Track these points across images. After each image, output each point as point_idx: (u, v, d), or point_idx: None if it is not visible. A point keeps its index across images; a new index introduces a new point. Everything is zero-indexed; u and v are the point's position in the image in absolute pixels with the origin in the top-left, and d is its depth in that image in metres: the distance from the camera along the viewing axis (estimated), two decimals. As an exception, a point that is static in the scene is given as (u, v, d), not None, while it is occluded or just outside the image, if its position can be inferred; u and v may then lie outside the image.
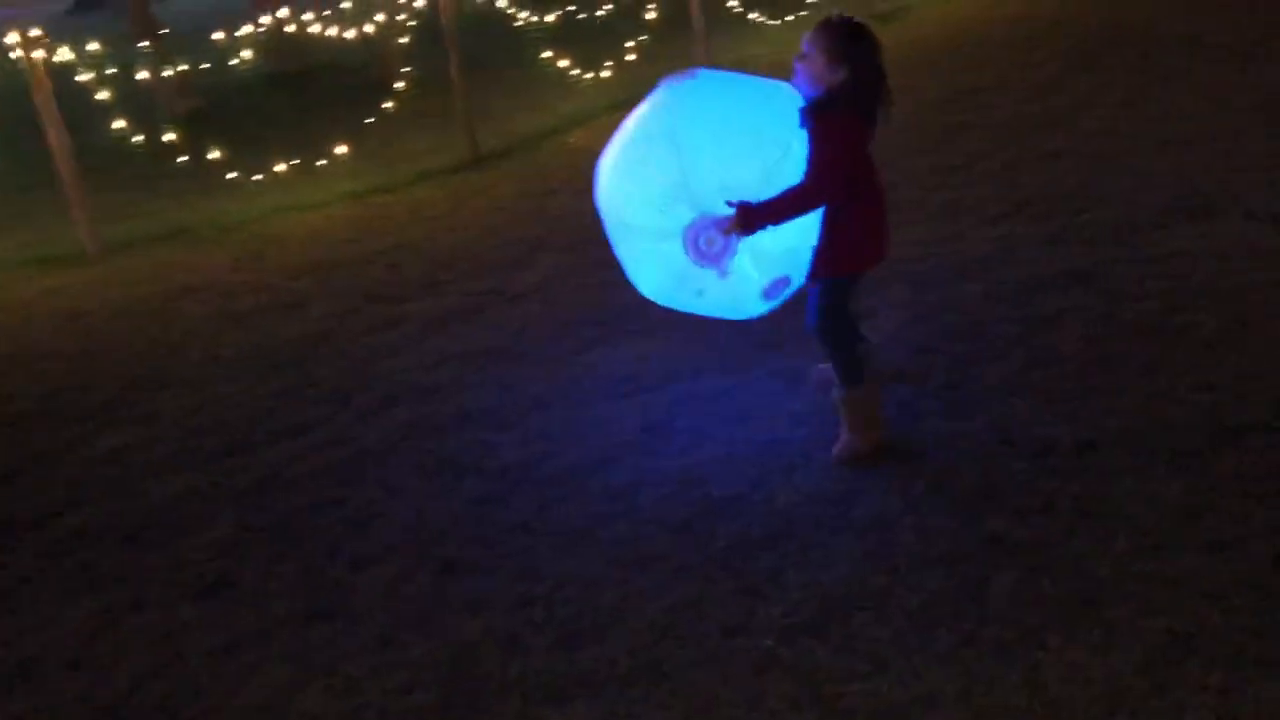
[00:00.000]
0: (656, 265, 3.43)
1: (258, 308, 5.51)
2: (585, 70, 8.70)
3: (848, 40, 3.21)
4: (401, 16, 7.81)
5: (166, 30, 11.42)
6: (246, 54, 7.90)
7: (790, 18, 10.10)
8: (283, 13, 7.73)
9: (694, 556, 3.13)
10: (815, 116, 3.21)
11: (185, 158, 7.19)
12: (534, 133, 8.03)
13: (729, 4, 9.69)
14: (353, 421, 4.24)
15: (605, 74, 8.77)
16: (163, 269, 6.27)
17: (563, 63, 8.62)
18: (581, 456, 3.75)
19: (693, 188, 3.24)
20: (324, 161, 7.42)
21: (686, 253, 3.32)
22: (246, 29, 7.58)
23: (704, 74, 3.43)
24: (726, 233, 3.23)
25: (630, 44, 8.94)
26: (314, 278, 5.80)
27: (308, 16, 7.78)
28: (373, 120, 7.75)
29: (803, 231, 3.29)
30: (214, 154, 7.16)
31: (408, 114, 7.97)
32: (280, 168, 7.34)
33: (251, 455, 4.08)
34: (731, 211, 3.18)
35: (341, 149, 7.55)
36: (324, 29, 7.70)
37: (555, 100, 8.65)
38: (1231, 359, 3.79)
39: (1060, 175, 5.74)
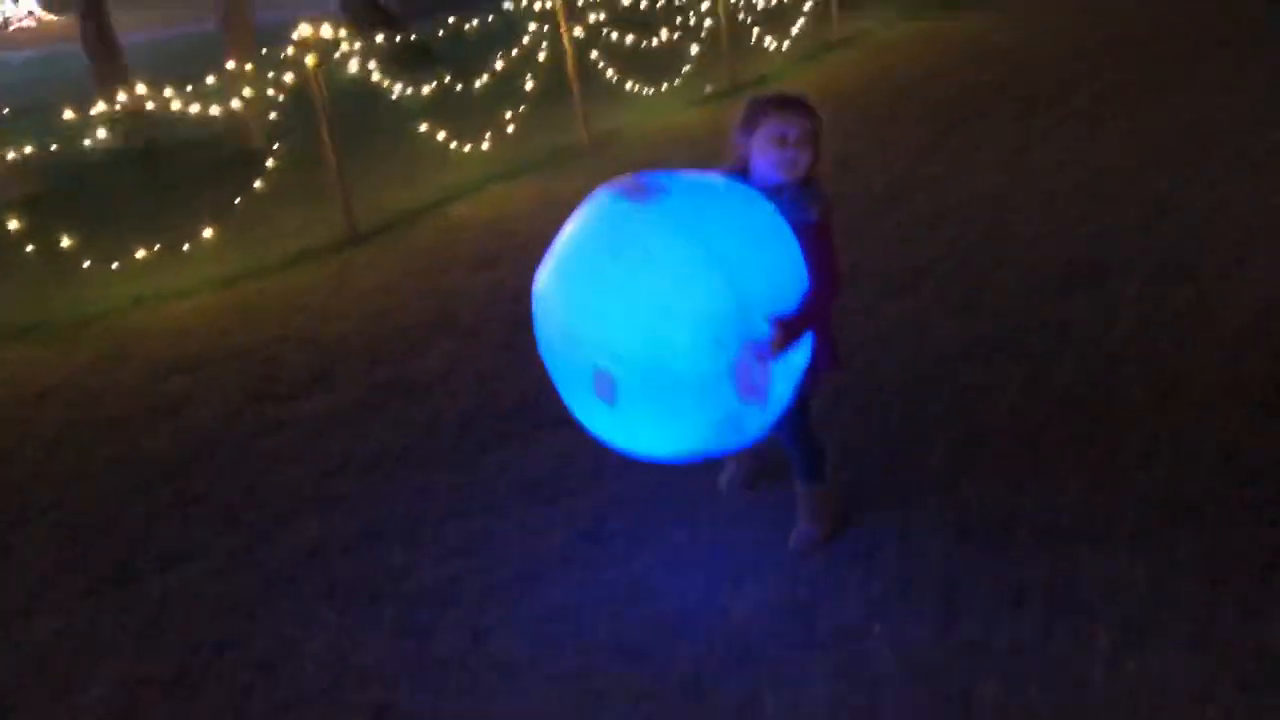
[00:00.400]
0: (700, 417, 2.83)
1: (127, 413, 5.03)
2: (463, 142, 8.45)
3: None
4: (271, 91, 7.41)
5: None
6: (99, 133, 7.38)
7: (665, 87, 10.07)
8: (140, 88, 7.24)
9: (655, 684, 2.87)
10: (825, 213, 3.05)
11: (32, 247, 6.63)
12: (413, 207, 7.71)
13: (606, 74, 9.58)
14: (248, 542, 3.85)
15: (484, 145, 8.53)
16: (14, 370, 5.72)
17: (440, 134, 8.34)
18: (510, 572, 3.46)
19: (748, 311, 2.75)
20: (188, 246, 6.95)
21: (737, 391, 2.80)
22: (99, 106, 7.07)
23: (679, 178, 2.97)
24: (773, 354, 2.81)
25: (509, 114, 8.74)
26: (188, 376, 5.35)
27: (168, 92, 7.30)
28: (240, 200, 7.31)
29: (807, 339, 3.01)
30: (65, 241, 6.63)
31: (278, 191, 7.57)
32: (140, 254, 6.84)
33: (136, 588, 3.65)
34: (770, 332, 2.80)
35: (207, 231, 7.09)
36: (186, 104, 7.24)
37: (433, 173, 8.36)
38: (1164, 428, 3.76)
39: (953, 240, 5.73)
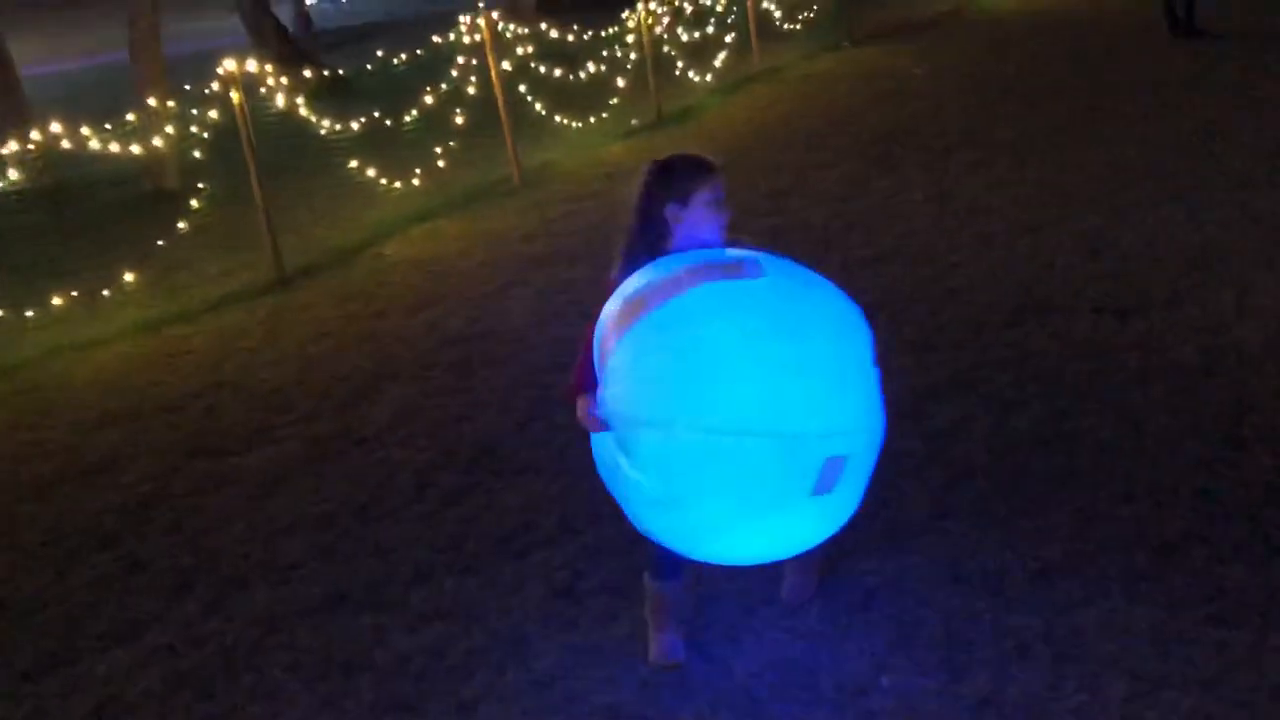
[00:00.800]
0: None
1: (55, 475, 4.73)
2: (392, 179, 8.25)
3: None
4: (195, 128, 7.14)
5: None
6: (9, 173, 7.01)
7: (593, 120, 10.01)
8: (55, 126, 6.90)
9: (661, 754, 2.73)
10: None
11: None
12: (343, 247, 7.49)
13: (534, 108, 9.48)
14: (199, 614, 3.61)
15: (414, 182, 8.34)
16: (-77, 430, 5.36)
17: (369, 171, 8.13)
18: (490, 636, 3.29)
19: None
20: (108, 291, 6.63)
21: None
22: (11, 146, 6.72)
23: (743, 253, 2.82)
24: None
25: (438, 150, 8.56)
26: (118, 431, 5.07)
27: (83, 130, 6.97)
28: (161, 242, 7.01)
29: None
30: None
31: (200, 232, 7.28)
32: (56, 301, 6.50)
33: (78, 671, 3.39)
34: None
35: (127, 276, 6.77)
36: (104, 143, 6.93)
37: (361, 211, 8.14)
38: (1138, 465, 3.76)
39: (897, 279, 5.73)
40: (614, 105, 10.20)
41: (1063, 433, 4.04)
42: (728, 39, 11.70)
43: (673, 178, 2.94)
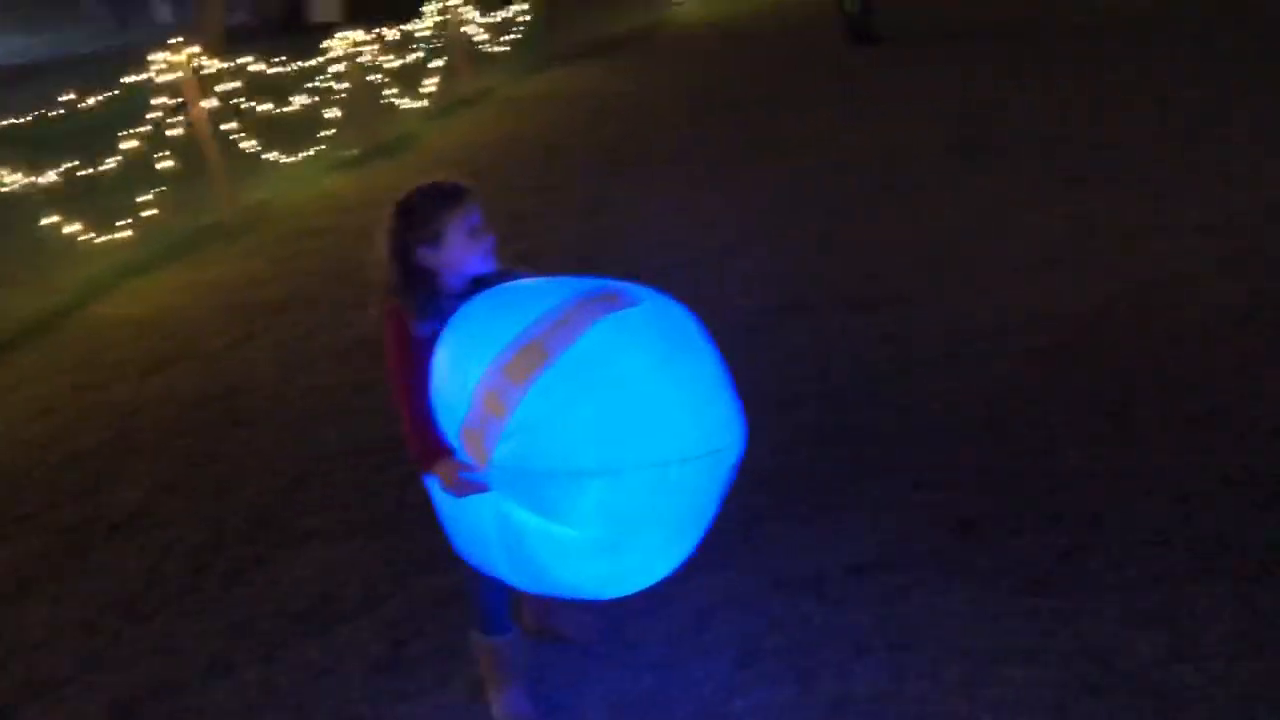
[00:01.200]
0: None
1: None
2: (97, 232, 7.53)
3: None
4: None
5: None
6: None
7: (306, 153, 9.56)
8: None
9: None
10: None
11: None
12: (51, 311, 6.76)
13: (244, 145, 8.94)
14: (-44, 752, 3.13)
15: (121, 234, 7.65)
16: None
17: (70, 226, 7.39)
18: (312, 722, 3.04)
19: None
20: None
21: None
22: None
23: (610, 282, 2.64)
24: None
25: (146, 197, 7.89)
26: None
27: None
28: None
29: None
30: None
31: None
32: None
33: None
34: None
35: None
36: None
37: (66, 270, 7.37)
38: (919, 452, 3.96)
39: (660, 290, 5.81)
40: (328, 137, 9.80)
41: (843, 428, 4.21)
42: (436, 63, 11.51)
43: (415, 219, 2.68)
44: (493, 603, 2.86)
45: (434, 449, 2.50)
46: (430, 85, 11.24)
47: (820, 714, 2.80)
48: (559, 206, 7.61)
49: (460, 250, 2.69)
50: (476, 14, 12.40)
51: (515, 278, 2.71)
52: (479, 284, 2.70)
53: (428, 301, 2.65)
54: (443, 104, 11.36)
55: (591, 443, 2.27)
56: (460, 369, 2.41)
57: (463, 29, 12.12)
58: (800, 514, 3.66)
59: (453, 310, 2.59)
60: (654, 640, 3.16)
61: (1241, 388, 4.08)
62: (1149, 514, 3.44)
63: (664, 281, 5.82)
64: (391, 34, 11.00)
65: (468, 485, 2.41)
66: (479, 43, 12.37)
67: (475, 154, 9.48)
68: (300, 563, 3.82)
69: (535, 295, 2.49)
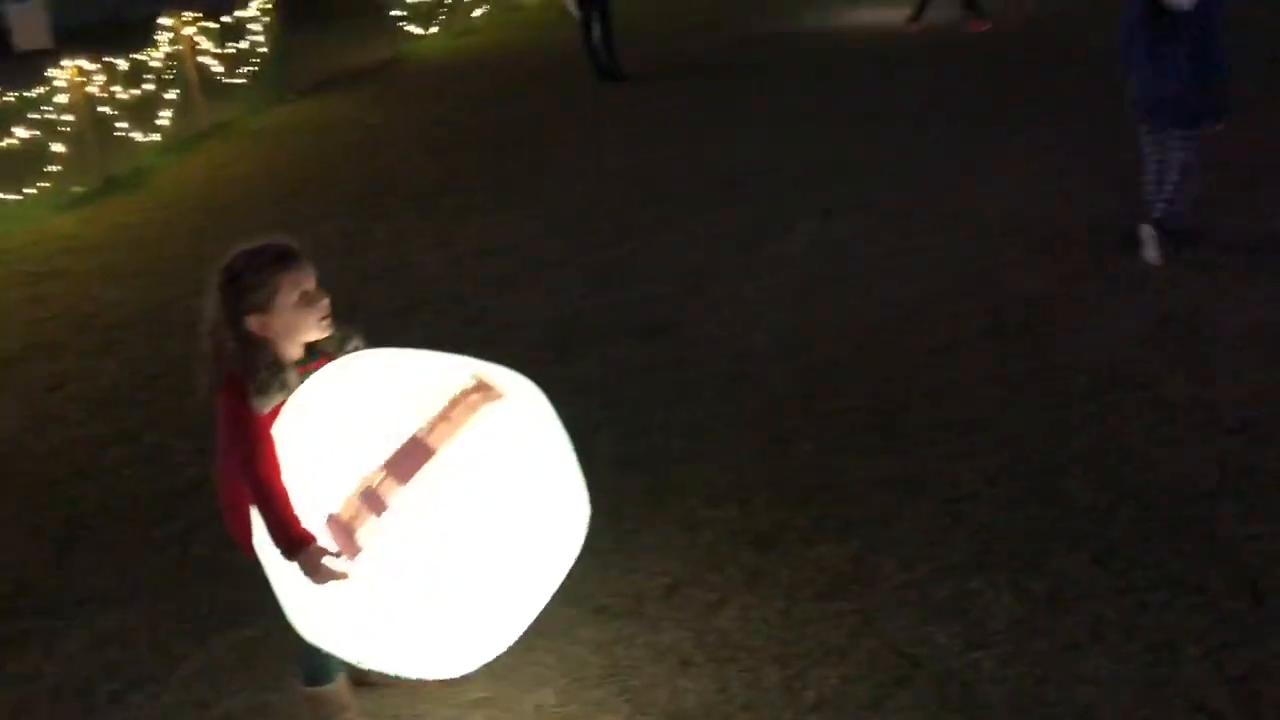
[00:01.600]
0: None
1: None
2: None
3: None
4: None
5: None
6: None
7: (28, 192, 8.86)
8: None
9: None
10: None
11: None
12: None
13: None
14: None
15: None
16: None
17: None
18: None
19: None
20: None
21: None
22: None
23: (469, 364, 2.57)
24: None
25: None
26: None
27: None
28: None
29: None
30: None
31: None
32: None
33: None
34: None
35: None
36: None
37: None
38: (713, 470, 4.12)
39: (429, 326, 5.76)
40: (53, 173, 9.11)
41: (641, 451, 4.31)
42: (170, 95, 10.92)
43: (242, 284, 2.54)
44: (316, 650, 2.76)
45: (301, 536, 2.30)
46: (165, 118, 10.65)
47: (650, 731, 2.87)
48: (314, 243, 7.32)
49: (290, 319, 2.56)
50: (211, 44, 11.86)
51: (351, 342, 2.64)
52: (315, 350, 2.61)
53: (270, 375, 2.52)
54: (180, 138, 10.78)
55: (469, 539, 2.25)
56: (329, 457, 2.30)
57: (197, 60, 11.56)
58: (614, 538, 3.71)
59: (295, 383, 2.50)
60: (479, 675, 3.10)
61: (991, 395, 4.48)
62: (927, 515, 3.73)
63: (441, 318, 5.85)
64: (121, 64, 10.35)
65: (331, 573, 2.27)
66: (215, 74, 11.82)
67: (220, 189, 9.06)
68: (74, 635, 3.53)
69: (408, 380, 2.41)
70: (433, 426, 2.27)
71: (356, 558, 2.24)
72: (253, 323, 2.55)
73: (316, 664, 2.79)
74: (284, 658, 3.27)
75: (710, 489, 3.99)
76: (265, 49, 12.62)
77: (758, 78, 11.19)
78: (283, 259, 2.58)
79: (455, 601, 2.28)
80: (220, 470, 2.69)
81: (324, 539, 2.28)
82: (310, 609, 2.43)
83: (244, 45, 12.40)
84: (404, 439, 2.25)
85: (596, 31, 11.68)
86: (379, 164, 9.39)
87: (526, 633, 3.22)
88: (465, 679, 3.09)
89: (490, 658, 2.51)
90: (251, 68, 12.42)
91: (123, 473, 4.55)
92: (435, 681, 3.09)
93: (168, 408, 5.13)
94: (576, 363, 5.16)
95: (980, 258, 5.91)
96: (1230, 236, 5.73)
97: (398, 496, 2.21)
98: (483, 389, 2.38)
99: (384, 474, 2.23)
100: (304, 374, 2.55)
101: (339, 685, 2.84)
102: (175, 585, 3.72)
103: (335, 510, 2.26)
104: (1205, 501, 3.65)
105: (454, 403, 2.32)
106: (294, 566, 2.31)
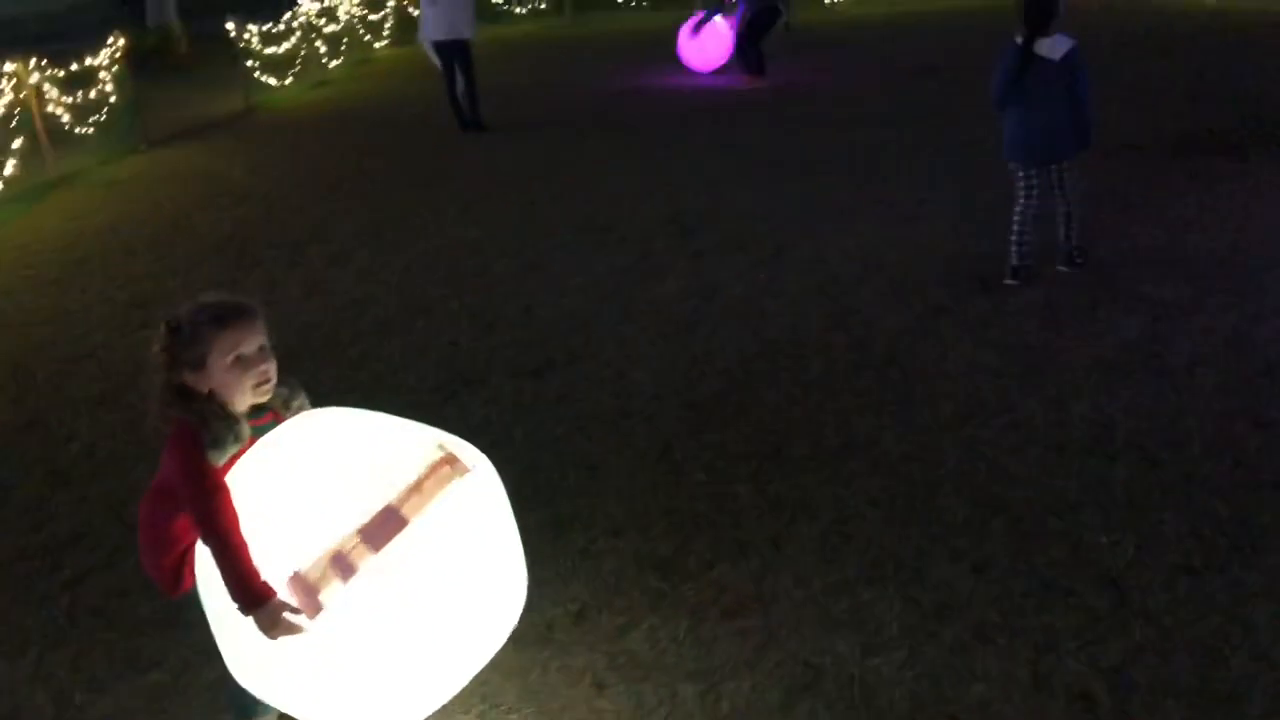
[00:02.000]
0: None
1: None
2: None
3: None
4: None
5: None
6: None
7: None
8: None
9: None
10: None
11: None
12: None
13: None
14: None
15: None
16: None
17: None
18: None
19: None
20: None
21: None
22: None
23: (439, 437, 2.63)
24: None
25: None
26: None
27: None
28: None
29: None
30: None
31: None
32: None
33: None
34: None
35: None
36: None
37: None
38: (609, 502, 4.24)
39: (312, 375, 5.73)
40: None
41: (537, 486, 4.39)
42: (14, 145, 10.52)
43: (180, 338, 2.54)
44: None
45: (262, 590, 2.29)
46: (9, 168, 10.26)
47: None
48: (186, 294, 7.23)
49: (225, 378, 2.54)
50: (56, 91, 11.48)
51: (295, 401, 2.66)
52: (263, 407, 2.62)
53: (225, 428, 2.51)
54: (26, 189, 10.39)
55: (430, 605, 2.33)
56: (295, 516, 2.33)
57: (44, 108, 11.19)
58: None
59: (248, 435, 2.52)
60: (397, 708, 3.15)
61: (866, 423, 4.74)
62: (818, 535, 3.92)
63: (323, 366, 5.82)
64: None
65: (289, 628, 2.27)
66: (63, 123, 11.44)
67: (78, 241, 8.76)
68: (-35, 692, 3.40)
69: (375, 446, 2.46)
70: (406, 497, 2.32)
71: (316, 616, 2.27)
72: (187, 377, 2.55)
73: (249, 700, 2.77)
74: (199, 701, 3.23)
75: (608, 519, 4.11)
76: (115, 98, 12.30)
77: (620, 130, 11.49)
78: (221, 319, 2.55)
79: (409, 662, 2.35)
80: (145, 510, 2.67)
81: (282, 594, 2.29)
82: (253, 660, 2.43)
83: (92, 96, 12.05)
84: (377, 508, 2.30)
85: (461, 83, 11.82)
86: (243, 214, 9.24)
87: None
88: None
89: (430, 711, 2.56)
90: (100, 117, 12.08)
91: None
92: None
93: (37, 458, 4.96)
94: (463, 404, 5.21)
95: (843, 297, 6.23)
96: (1066, 278, 6.21)
97: (367, 564, 2.26)
98: (451, 461, 2.45)
99: (357, 540, 2.26)
100: (255, 428, 2.58)
101: (272, 717, 2.83)
102: (69, 637, 3.61)
103: (301, 569, 2.28)
104: (1069, 514, 3.95)
105: (426, 474, 2.38)
106: (244, 619, 2.31)
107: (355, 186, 9.95)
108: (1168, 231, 6.88)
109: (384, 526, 2.28)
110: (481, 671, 3.24)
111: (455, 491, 2.42)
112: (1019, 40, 5.85)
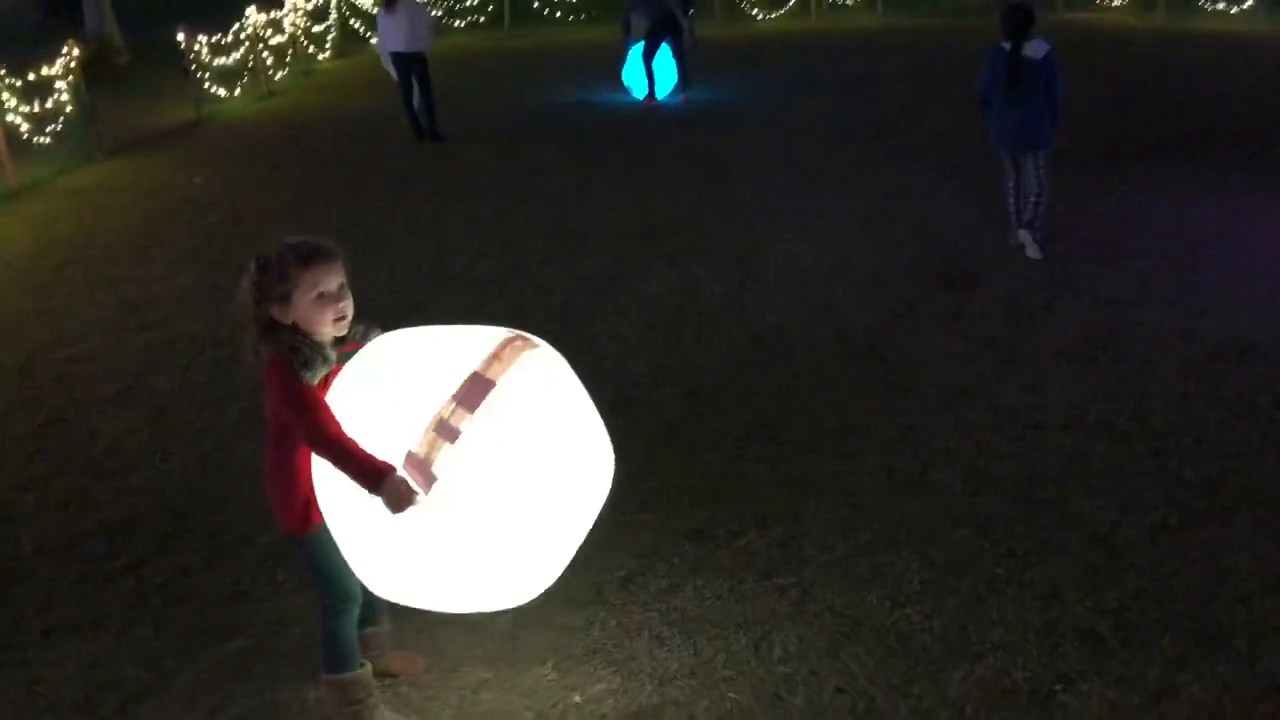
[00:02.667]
0: None
1: None
2: None
3: None
4: None
5: None
6: None
7: None
8: None
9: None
10: None
11: None
12: None
13: None
14: None
15: None
16: None
17: None
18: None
19: None
20: None
21: None
22: None
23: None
24: None
25: None
26: None
27: None
28: None
29: None
30: None
31: None
32: None
33: None
34: None
35: None
36: None
37: None
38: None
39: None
40: None
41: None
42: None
43: (268, 276, 2.81)
44: (350, 640, 3.01)
45: (383, 468, 2.56)
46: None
47: (648, 694, 3.25)
48: (176, 296, 7.37)
49: (307, 312, 2.81)
50: (13, 100, 11.43)
51: (372, 334, 2.92)
52: (342, 338, 2.88)
53: (313, 352, 2.78)
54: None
55: (532, 461, 2.57)
56: (392, 410, 2.60)
57: (3, 117, 11.13)
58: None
59: (335, 360, 2.78)
60: (475, 663, 3.42)
61: (857, 409, 5.12)
62: (830, 507, 4.29)
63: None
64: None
65: (411, 498, 2.54)
66: (20, 132, 11.39)
67: (52, 249, 8.80)
68: (52, 662, 3.58)
69: (452, 340, 2.74)
70: (489, 364, 2.60)
71: (432, 488, 2.53)
72: (274, 310, 2.82)
73: (340, 653, 3.03)
74: (286, 661, 3.47)
75: (635, 497, 4.40)
76: (70, 108, 12.27)
77: (575, 139, 11.77)
78: (306, 258, 2.83)
79: (520, 524, 2.58)
80: (269, 457, 2.94)
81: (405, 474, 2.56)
82: (379, 557, 2.70)
83: (49, 106, 12.01)
84: (463, 377, 2.57)
85: (417, 94, 12.01)
86: (213, 223, 9.33)
87: (509, 623, 3.58)
88: (460, 667, 3.41)
89: (544, 587, 2.80)
90: (57, 126, 12.04)
91: (45, 516, 4.54)
92: (430, 670, 3.39)
93: (67, 453, 5.11)
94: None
95: (820, 294, 6.62)
96: (1030, 271, 6.68)
97: (468, 425, 2.52)
98: (522, 338, 2.73)
99: (454, 405, 2.54)
100: (341, 354, 2.85)
101: (363, 672, 3.08)
102: (144, 613, 3.81)
103: (411, 448, 2.55)
104: (1053, 485, 4.36)
105: (501, 346, 2.66)
106: (363, 517, 2.57)
107: (320, 195, 10.09)
108: (1114, 232, 7.41)
109: (474, 390, 2.55)
110: (546, 630, 3.56)
111: (530, 360, 2.67)
112: (1006, 46, 6.76)
